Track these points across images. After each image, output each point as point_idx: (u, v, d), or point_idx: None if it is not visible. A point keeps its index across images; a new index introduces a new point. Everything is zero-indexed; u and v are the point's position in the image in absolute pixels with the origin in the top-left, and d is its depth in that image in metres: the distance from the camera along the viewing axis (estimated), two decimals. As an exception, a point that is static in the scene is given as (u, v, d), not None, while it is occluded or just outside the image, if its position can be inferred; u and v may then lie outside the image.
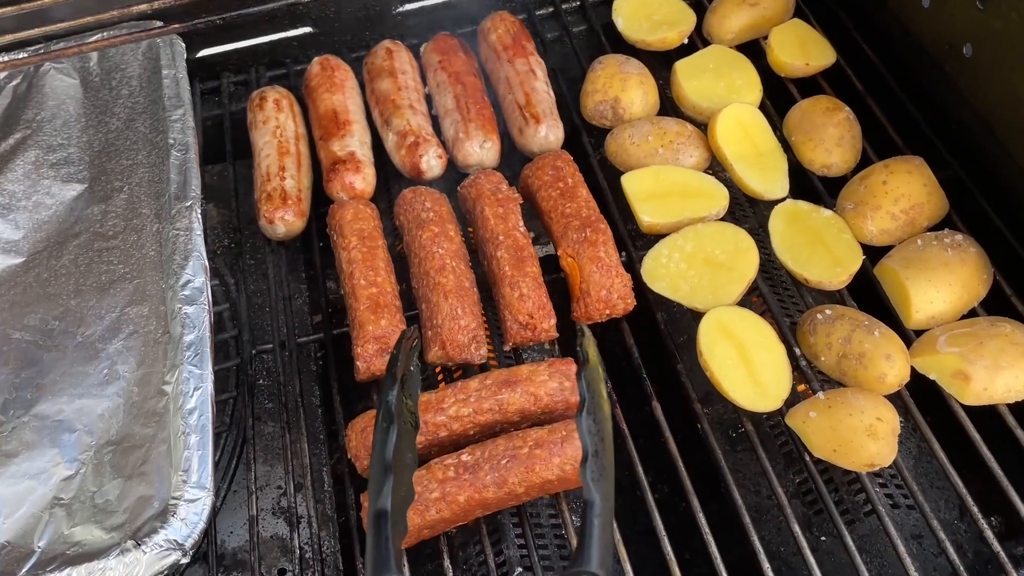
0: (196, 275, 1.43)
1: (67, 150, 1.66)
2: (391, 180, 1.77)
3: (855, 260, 1.48)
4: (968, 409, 1.34)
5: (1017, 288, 1.46)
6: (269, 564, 1.44)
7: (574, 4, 2.06)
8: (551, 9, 2.04)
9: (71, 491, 1.24)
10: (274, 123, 1.74)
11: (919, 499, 1.28)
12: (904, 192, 1.53)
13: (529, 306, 1.44)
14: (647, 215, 1.56)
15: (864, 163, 1.65)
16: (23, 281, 1.48)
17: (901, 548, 1.23)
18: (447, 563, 1.29)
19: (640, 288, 1.52)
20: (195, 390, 1.30)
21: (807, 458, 1.33)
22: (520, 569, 1.36)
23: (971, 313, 1.45)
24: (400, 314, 1.48)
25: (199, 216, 1.51)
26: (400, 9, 2.01)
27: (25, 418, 1.32)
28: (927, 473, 1.45)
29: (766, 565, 1.24)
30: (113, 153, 1.65)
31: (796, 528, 1.28)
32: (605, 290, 1.46)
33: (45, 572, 1.15)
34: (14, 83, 1.76)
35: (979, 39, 1.49)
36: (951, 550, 1.23)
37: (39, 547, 1.18)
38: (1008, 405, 1.34)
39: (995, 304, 1.46)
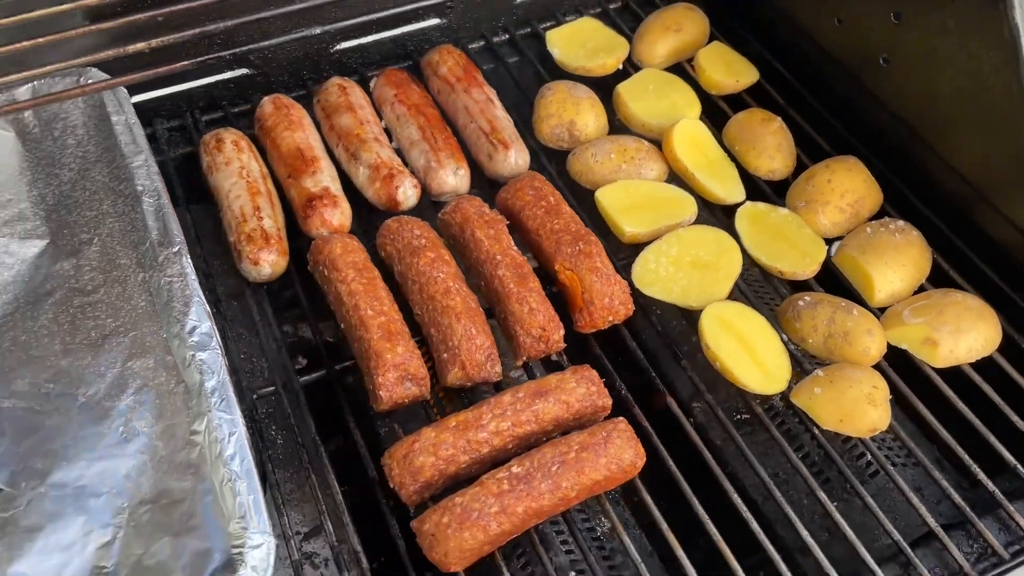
0: (201, 320, 1.37)
1: (17, 206, 1.54)
2: (362, 214, 1.76)
3: (820, 250, 1.64)
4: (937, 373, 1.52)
5: (953, 264, 1.66)
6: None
7: (504, 37, 2.14)
8: (483, 43, 2.11)
9: (112, 558, 1.16)
10: (237, 164, 1.70)
11: (918, 454, 1.42)
12: (848, 188, 1.71)
13: (540, 319, 1.49)
14: (629, 226, 1.65)
15: (799, 167, 1.83)
16: (-2, 347, 1.36)
17: (913, 497, 1.37)
18: (507, 574, 1.30)
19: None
20: (230, 435, 1.25)
21: (816, 431, 1.45)
22: (573, 573, 1.39)
23: (921, 288, 1.64)
24: (411, 340, 1.48)
25: (189, 261, 1.45)
26: (337, 48, 2.02)
27: (41, 489, 1.21)
28: (909, 434, 1.61)
29: (804, 532, 1.34)
30: (72, 206, 1.55)
31: (821, 495, 1.38)
32: (607, 297, 1.53)
33: (108, 646, 1.07)
34: (-64, 140, 1.61)
35: (895, 50, 1.71)
36: (955, 494, 1.38)
37: (92, 621, 1.10)
38: (971, 365, 1.53)
39: (938, 279, 1.65)
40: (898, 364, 1.54)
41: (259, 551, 1.14)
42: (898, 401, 1.53)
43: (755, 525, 1.35)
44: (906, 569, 1.34)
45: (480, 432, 1.35)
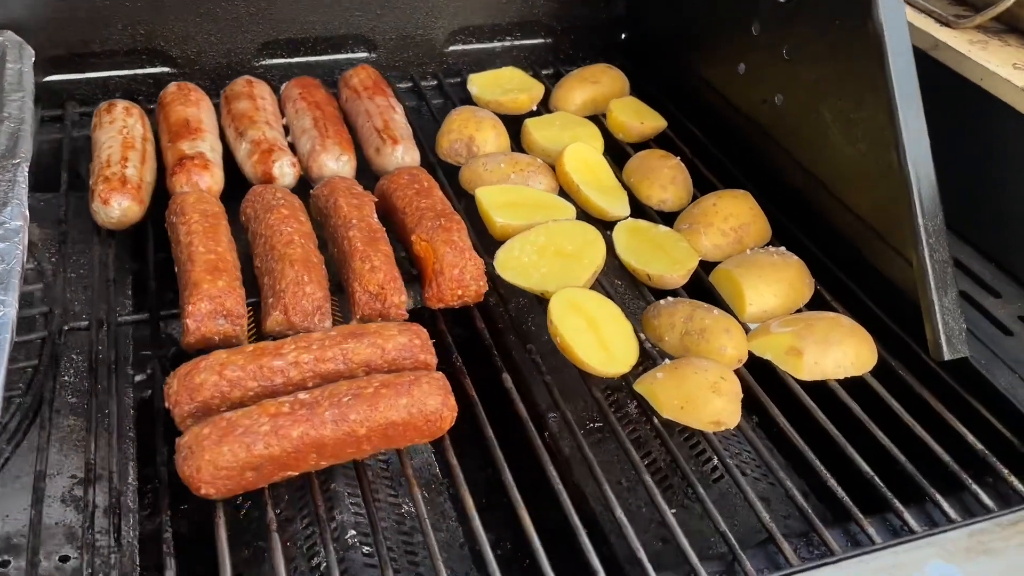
0: (13, 219, 1.32)
1: None
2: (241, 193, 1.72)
3: (692, 259, 1.56)
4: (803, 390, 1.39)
5: (838, 297, 1.57)
6: (50, 550, 1.22)
7: (432, 83, 2.19)
8: (410, 84, 2.16)
9: None
10: (121, 123, 1.70)
11: (765, 457, 1.27)
12: (732, 212, 1.66)
13: (380, 277, 1.40)
14: (501, 217, 1.60)
15: (696, 206, 1.79)
16: None
17: (752, 495, 1.21)
18: (270, 514, 1.13)
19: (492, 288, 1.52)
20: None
21: (655, 421, 1.31)
22: (353, 532, 1.22)
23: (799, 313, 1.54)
24: (239, 281, 1.39)
25: (25, 174, 1.42)
26: (261, 62, 2.07)
27: None
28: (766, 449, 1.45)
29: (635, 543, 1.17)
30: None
31: (660, 500, 1.21)
32: (458, 269, 1.45)
33: None
34: None
35: (788, 87, 1.71)
36: (799, 498, 1.21)
37: None
38: (840, 383, 1.40)
39: (819, 307, 1.55)
40: (761, 377, 1.42)
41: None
42: (756, 412, 1.40)
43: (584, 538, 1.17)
44: (731, 567, 1.15)
45: (277, 360, 1.23)
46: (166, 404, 1.20)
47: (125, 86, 1.99)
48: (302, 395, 1.18)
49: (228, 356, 1.22)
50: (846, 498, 1.21)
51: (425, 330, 1.32)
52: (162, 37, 1.96)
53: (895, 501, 1.21)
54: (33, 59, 1.75)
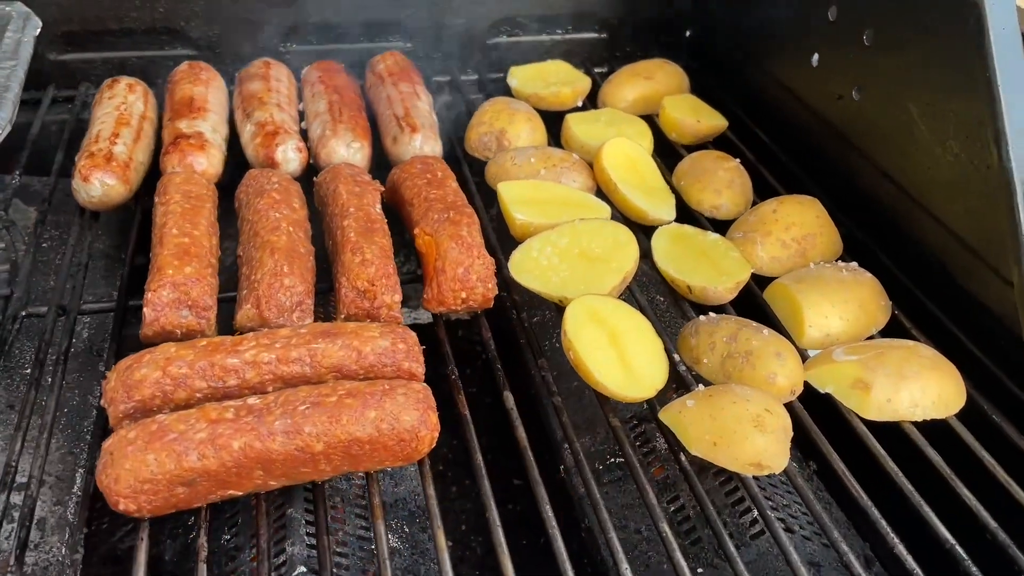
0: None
1: None
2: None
3: (743, 271, 1.33)
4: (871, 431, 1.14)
5: (916, 323, 1.32)
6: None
7: (472, 77, 2.01)
8: (448, 78, 1.99)
9: None
10: (120, 100, 1.57)
11: (817, 511, 1.02)
12: (795, 220, 1.42)
13: (371, 272, 1.22)
14: (521, 214, 1.40)
15: (754, 215, 1.55)
16: None
17: (796, 558, 0.96)
18: (202, 538, 0.94)
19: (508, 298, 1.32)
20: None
21: (683, 459, 1.07)
22: (303, 569, 1.01)
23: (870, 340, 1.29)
24: (213, 269, 1.23)
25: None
26: (288, 48, 1.93)
27: None
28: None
29: None
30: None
31: (679, 557, 0.98)
32: (463, 268, 1.25)
33: None
34: None
35: (867, 79, 1.47)
36: (857, 565, 0.96)
37: None
38: (917, 426, 1.14)
39: (896, 335, 1.30)
40: (819, 415, 1.17)
41: None
42: (812, 457, 1.15)
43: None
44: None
45: (231, 357, 1.05)
46: (102, 402, 1.04)
47: (143, 69, 1.87)
48: (253, 400, 0.99)
49: (177, 350, 1.05)
50: (918, 570, 0.96)
51: (413, 334, 1.13)
52: (182, 16, 1.84)
53: (982, 578, 0.95)
54: (38, 31, 1.64)
